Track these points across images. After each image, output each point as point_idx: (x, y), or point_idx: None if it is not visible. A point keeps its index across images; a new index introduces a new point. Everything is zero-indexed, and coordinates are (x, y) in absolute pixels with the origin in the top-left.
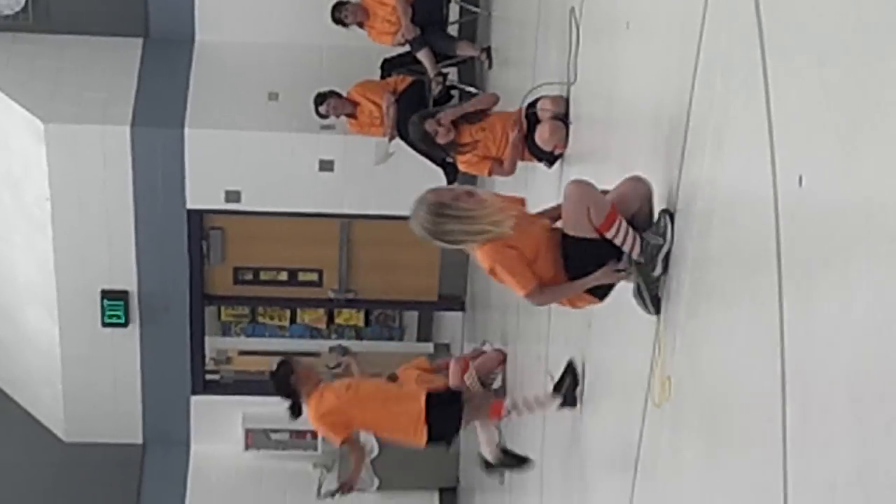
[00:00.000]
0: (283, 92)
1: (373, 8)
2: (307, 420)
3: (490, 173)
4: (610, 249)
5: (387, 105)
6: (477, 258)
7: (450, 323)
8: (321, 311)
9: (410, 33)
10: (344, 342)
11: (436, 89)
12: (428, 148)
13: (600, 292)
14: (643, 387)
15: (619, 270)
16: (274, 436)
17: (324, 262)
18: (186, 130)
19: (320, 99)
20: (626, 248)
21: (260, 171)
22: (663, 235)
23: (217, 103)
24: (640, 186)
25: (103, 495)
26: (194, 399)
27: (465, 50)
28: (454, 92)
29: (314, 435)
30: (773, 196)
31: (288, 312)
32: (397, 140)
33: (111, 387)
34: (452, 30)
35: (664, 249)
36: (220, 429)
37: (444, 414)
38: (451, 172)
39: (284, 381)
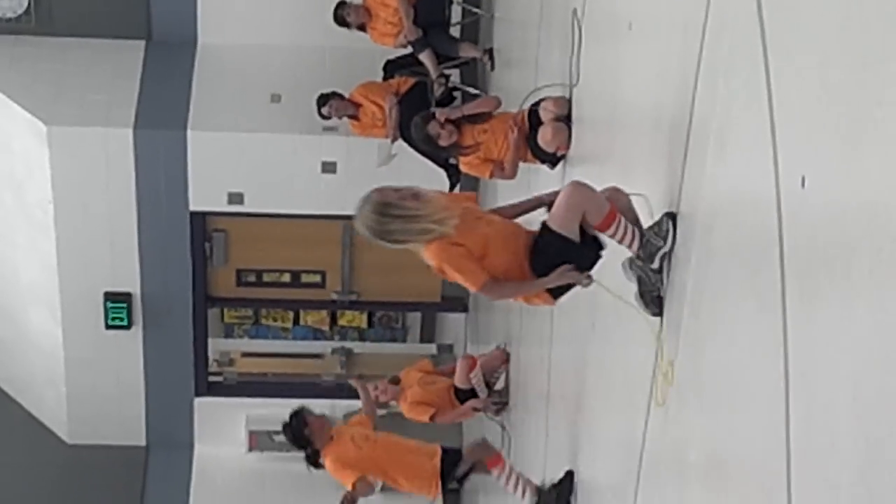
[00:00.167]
0: (285, 94)
1: (375, 9)
2: None
3: (492, 176)
4: (582, 253)
5: (389, 106)
6: (425, 257)
7: (453, 324)
8: (324, 312)
9: (413, 35)
10: (347, 344)
11: (438, 91)
12: (430, 150)
13: (556, 292)
14: (646, 387)
15: (583, 275)
16: (277, 437)
17: (327, 263)
18: (189, 132)
19: (323, 100)
20: (625, 245)
21: (263, 173)
22: (665, 238)
23: (220, 105)
24: (620, 197)
25: (107, 497)
26: (198, 401)
27: (467, 51)
28: (456, 93)
29: None
30: (775, 197)
31: (291, 314)
32: (400, 142)
33: (114, 389)
34: (455, 31)
35: (663, 251)
36: (223, 431)
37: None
38: (454, 174)
39: (299, 433)
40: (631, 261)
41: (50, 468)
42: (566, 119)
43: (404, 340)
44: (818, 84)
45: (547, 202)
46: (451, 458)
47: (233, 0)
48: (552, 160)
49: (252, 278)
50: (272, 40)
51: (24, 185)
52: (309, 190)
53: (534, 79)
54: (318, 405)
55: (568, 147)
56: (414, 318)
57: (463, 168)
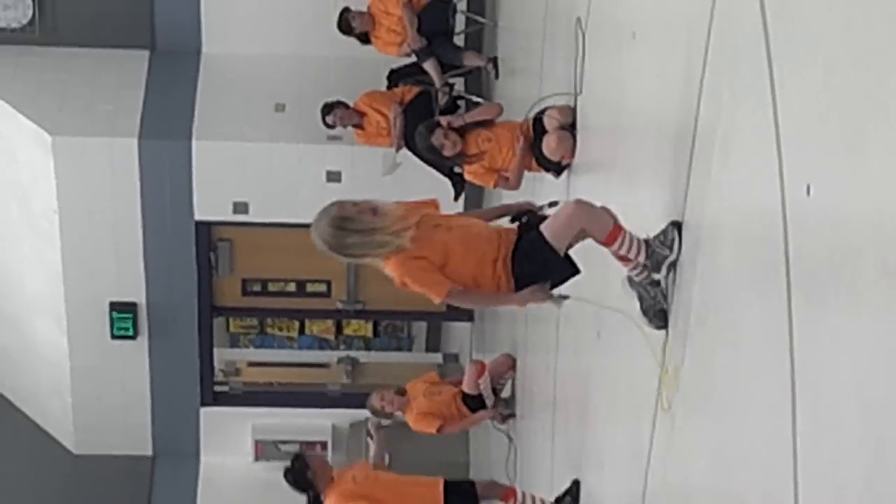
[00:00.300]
0: (289, 103)
1: (378, 17)
2: (317, 431)
3: (496, 185)
4: (559, 268)
5: (394, 115)
6: (386, 271)
7: (458, 333)
8: (330, 322)
9: (417, 44)
10: (352, 353)
11: (442, 100)
12: (435, 159)
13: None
14: (652, 395)
15: (557, 296)
16: (283, 447)
17: (332, 272)
18: (194, 142)
19: (327, 109)
20: (631, 257)
21: (267, 183)
22: (671, 246)
23: (224, 115)
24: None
25: None
26: (203, 410)
27: (471, 60)
28: (461, 102)
29: (323, 446)
30: (780, 205)
31: (296, 323)
32: (404, 150)
33: (120, 399)
34: (459, 40)
35: (670, 259)
36: (229, 440)
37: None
38: (459, 183)
39: (301, 477)
40: (630, 279)
41: (56, 478)
42: (571, 128)
43: (410, 349)
44: (823, 92)
45: (514, 212)
46: (454, 489)
47: (236, 10)
48: (557, 169)
49: (257, 288)
50: (276, 50)
51: (29, 195)
52: (314, 199)
53: (538, 87)
54: (323, 415)
55: (573, 156)
56: (419, 328)
57: (467, 177)
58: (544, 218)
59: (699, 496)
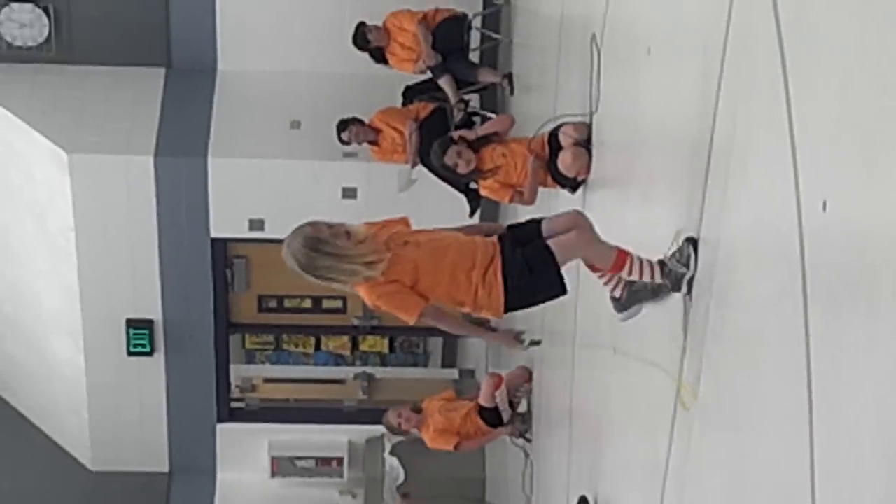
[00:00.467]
0: (305, 120)
1: (394, 33)
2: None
3: (511, 200)
4: (553, 283)
5: (409, 132)
6: (358, 293)
7: (474, 349)
8: (345, 338)
9: (432, 60)
10: (368, 369)
11: (458, 116)
12: (450, 175)
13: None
14: (669, 410)
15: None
16: (300, 463)
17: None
18: (210, 159)
19: (343, 126)
20: (646, 279)
21: (283, 199)
22: (687, 264)
23: (240, 132)
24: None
25: None
26: (220, 427)
27: (486, 76)
28: (476, 118)
29: (340, 462)
30: (797, 221)
31: (312, 340)
32: (420, 167)
33: (137, 415)
34: (474, 56)
35: (688, 276)
36: (246, 456)
37: None
38: (474, 199)
39: None
40: (615, 300)
41: (73, 495)
42: (586, 143)
43: (426, 365)
44: (839, 108)
45: (485, 231)
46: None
47: (252, 27)
48: (572, 185)
49: (273, 304)
50: (291, 67)
51: (45, 212)
52: (330, 216)
53: (553, 103)
54: (339, 431)
55: (588, 172)
56: (435, 343)
57: (483, 192)
58: (533, 231)
59: None
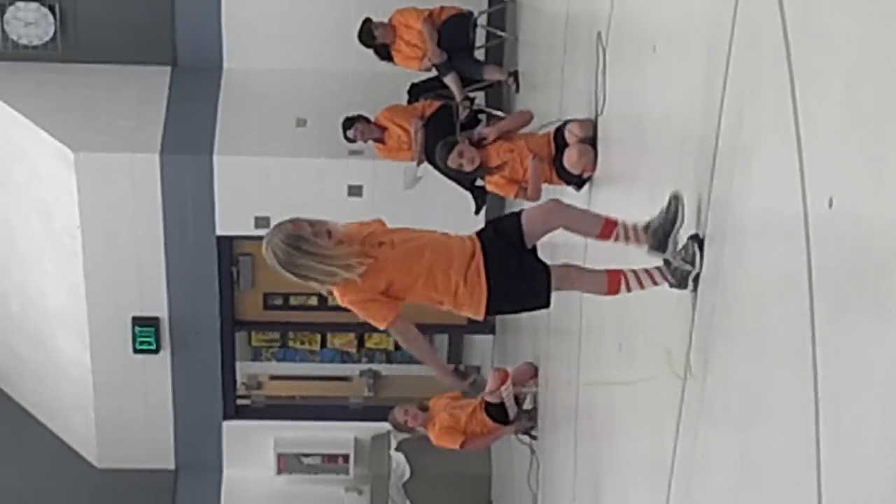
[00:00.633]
0: (311, 118)
1: (399, 30)
2: (339, 444)
3: (516, 196)
4: (538, 295)
5: (415, 130)
6: (333, 294)
7: (480, 346)
8: (351, 335)
9: (437, 58)
10: (374, 366)
11: (463, 114)
12: (456, 173)
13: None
14: (675, 408)
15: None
16: (306, 460)
17: None
18: (215, 157)
19: (348, 124)
20: (638, 245)
21: (289, 197)
22: (692, 262)
23: (245, 130)
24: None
25: None
26: (226, 424)
27: (492, 74)
28: (482, 116)
29: (346, 459)
30: (803, 218)
31: (318, 337)
32: (426, 164)
33: (143, 413)
34: (479, 54)
35: (693, 273)
36: (252, 453)
37: None
38: (480, 196)
39: None
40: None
41: (80, 492)
42: (592, 141)
43: None
44: (844, 104)
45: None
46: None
47: (257, 25)
48: (578, 182)
49: (279, 301)
50: (297, 65)
51: (51, 211)
52: (335, 213)
53: (559, 101)
54: (345, 428)
55: (594, 169)
56: (441, 340)
57: (489, 187)
58: (508, 224)
59: None
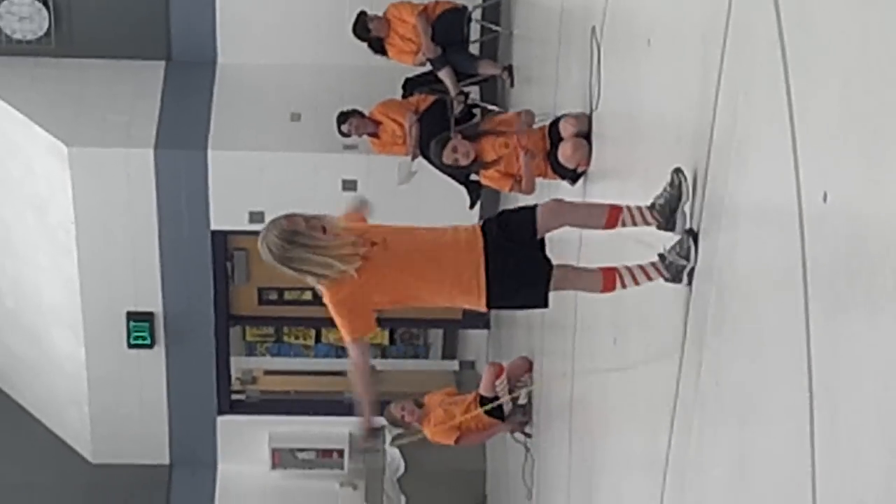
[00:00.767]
0: (305, 112)
1: (394, 24)
2: (334, 439)
3: (511, 190)
4: (537, 293)
5: (409, 124)
6: (322, 294)
7: (475, 340)
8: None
9: (431, 52)
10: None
11: (458, 108)
12: (451, 168)
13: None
14: (669, 402)
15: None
16: (301, 455)
17: None
18: (210, 152)
19: (343, 118)
20: (646, 224)
21: (283, 192)
22: (687, 256)
23: (240, 125)
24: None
25: None
26: (220, 419)
27: (486, 68)
28: (476, 110)
29: (340, 454)
30: (797, 212)
31: (313, 332)
32: (420, 159)
33: (138, 408)
34: (474, 49)
35: (688, 268)
36: (246, 448)
37: None
38: (474, 191)
39: None
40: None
41: (74, 488)
42: (586, 135)
43: (426, 357)
44: (839, 99)
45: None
46: None
47: (252, 20)
48: (572, 176)
49: (274, 296)
50: (291, 59)
51: (45, 206)
52: (330, 208)
53: (553, 95)
54: (340, 423)
55: (588, 163)
56: (436, 335)
57: (484, 181)
58: (519, 220)
59: None
